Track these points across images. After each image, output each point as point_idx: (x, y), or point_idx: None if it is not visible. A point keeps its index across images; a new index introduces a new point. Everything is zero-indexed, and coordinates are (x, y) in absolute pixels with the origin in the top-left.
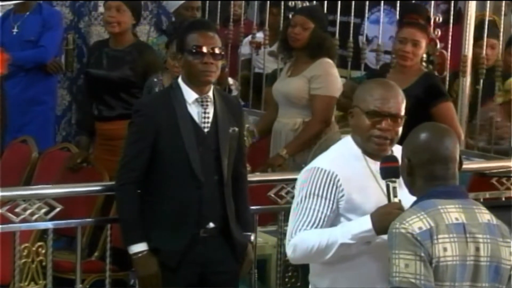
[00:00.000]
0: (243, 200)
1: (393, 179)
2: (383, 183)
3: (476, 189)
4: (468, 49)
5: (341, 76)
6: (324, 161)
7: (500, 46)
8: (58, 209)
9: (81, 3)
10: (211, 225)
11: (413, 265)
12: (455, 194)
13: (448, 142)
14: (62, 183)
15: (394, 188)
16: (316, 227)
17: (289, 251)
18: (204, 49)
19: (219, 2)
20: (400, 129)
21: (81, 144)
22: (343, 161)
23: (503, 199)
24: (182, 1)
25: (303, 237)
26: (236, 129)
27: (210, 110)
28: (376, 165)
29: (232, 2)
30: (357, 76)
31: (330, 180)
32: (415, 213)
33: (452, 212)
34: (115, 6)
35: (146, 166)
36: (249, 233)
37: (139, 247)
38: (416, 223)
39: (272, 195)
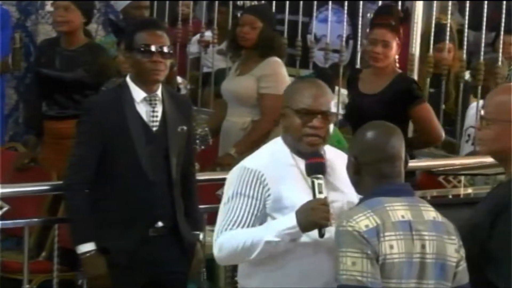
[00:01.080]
0: (192, 199)
1: (318, 175)
2: (304, 178)
3: (423, 187)
4: (416, 48)
5: (290, 75)
6: (251, 160)
7: (446, 46)
8: (5, 209)
9: (28, 2)
10: (160, 224)
11: (360, 263)
12: (401, 192)
13: (395, 140)
14: (10, 182)
15: (320, 184)
16: (243, 227)
17: (215, 250)
18: (153, 48)
19: (167, 1)
20: (331, 127)
21: (29, 143)
22: (271, 161)
23: (450, 197)
24: (130, 0)
25: (229, 236)
26: (185, 128)
27: (159, 109)
28: (298, 161)
29: (180, 2)
30: (306, 74)
31: (257, 179)
32: (361, 211)
33: (398, 209)
34: (63, 5)
35: (94, 165)
36: (198, 232)
37: (87, 247)
38: (363, 221)
39: (221, 194)
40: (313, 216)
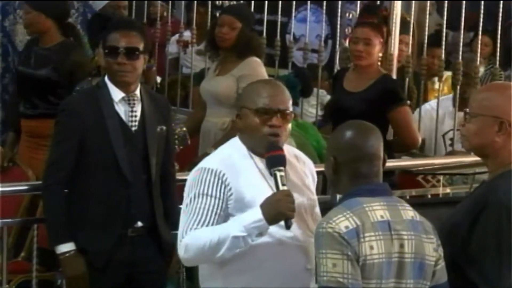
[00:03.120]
0: (171, 198)
1: (280, 168)
2: (271, 180)
3: (402, 187)
4: (394, 48)
5: (269, 75)
6: (212, 161)
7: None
8: None
9: (5, 1)
10: (139, 224)
11: (341, 265)
12: (380, 192)
13: (373, 140)
14: None
15: (282, 176)
16: (207, 226)
17: (181, 252)
18: (118, 49)
19: (146, 1)
20: (290, 126)
21: (7, 142)
22: (231, 161)
23: (429, 196)
24: (109, 0)
25: (194, 236)
26: (164, 128)
27: (138, 108)
28: (263, 163)
29: (159, 2)
30: (284, 74)
31: (218, 179)
32: (341, 212)
33: (377, 210)
34: (24, 9)
35: (72, 166)
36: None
37: (66, 247)
38: (343, 222)
39: None
40: (279, 207)
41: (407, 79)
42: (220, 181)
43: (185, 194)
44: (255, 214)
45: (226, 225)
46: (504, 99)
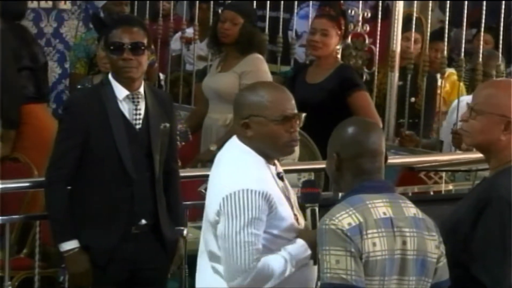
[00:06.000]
0: (175, 195)
1: (316, 204)
2: (280, 184)
3: (404, 184)
4: (396, 45)
5: (271, 72)
6: (248, 180)
7: (427, 44)
8: None
9: None
10: (143, 221)
11: (344, 261)
12: (382, 189)
13: (375, 136)
14: None
15: (317, 213)
16: (260, 254)
17: (245, 281)
18: (124, 45)
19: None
20: None
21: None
22: (262, 175)
23: (431, 193)
24: None
25: (263, 267)
26: (168, 125)
27: (142, 106)
28: (272, 168)
29: None
30: (286, 71)
31: (266, 200)
32: (344, 209)
33: (380, 206)
34: None
35: (75, 163)
36: (182, 228)
37: (70, 245)
38: (346, 219)
39: (203, 190)
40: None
41: (409, 76)
42: (267, 202)
43: (228, 215)
44: (305, 252)
45: (283, 259)
46: (511, 98)
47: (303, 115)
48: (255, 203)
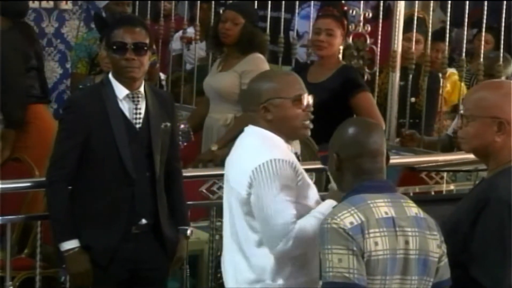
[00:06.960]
0: (178, 194)
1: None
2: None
3: (405, 184)
4: (398, 45)
5: None
6: (275, 151)
7: (429, 44)
8: None
9: None
10: (144, 221)
11: (346, 260)
12: (383, 188)
13: (376, 136)
14: None
15: None
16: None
17: (288, 245)
18: (126, 45)
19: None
20: None
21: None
22: (286, 149)
23: (433, 193)
24: None
25: (301, 228)
26: (169, 124)
27: (142, 106)
28: (293, 149)
29: None
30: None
31: (293, 169)
32: (345, 208)
33: (382, 206)
34: None
35: (76, 163)
36: (186, 227)
37: (70, 244)
38: (347, 218)
39: (204, 191)
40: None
41: (410, 76)
42: (294, 171)
43: (263, 182)
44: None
45: (316, 220)
46: (500, 98)
47: (311, 96)
48: (284, 171)
